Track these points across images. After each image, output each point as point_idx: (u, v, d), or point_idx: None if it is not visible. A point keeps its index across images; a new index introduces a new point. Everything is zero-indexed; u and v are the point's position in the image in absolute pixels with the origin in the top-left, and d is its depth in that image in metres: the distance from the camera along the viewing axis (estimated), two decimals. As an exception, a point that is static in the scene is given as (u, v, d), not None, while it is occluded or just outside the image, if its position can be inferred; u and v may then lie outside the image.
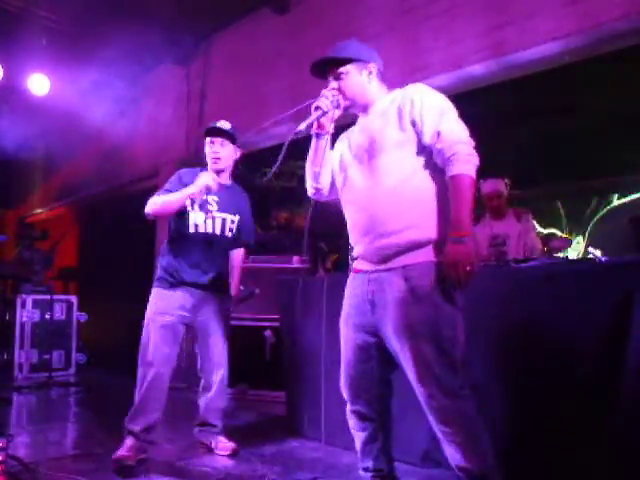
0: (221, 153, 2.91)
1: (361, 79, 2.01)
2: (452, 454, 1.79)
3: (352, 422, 2.03)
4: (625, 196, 6.72)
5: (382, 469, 2.01)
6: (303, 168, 2.17)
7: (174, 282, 2.85)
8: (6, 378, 5.32)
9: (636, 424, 2.03)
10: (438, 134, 1.82)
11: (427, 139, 1.85)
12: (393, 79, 3.83)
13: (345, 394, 2.02)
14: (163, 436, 3.30)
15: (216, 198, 2.89)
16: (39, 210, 9.11)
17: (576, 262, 2.97)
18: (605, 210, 6.85)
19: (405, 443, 2.57)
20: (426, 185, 1.88)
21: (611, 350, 2.13)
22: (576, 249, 6.84)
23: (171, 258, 2.89)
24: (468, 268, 1.73)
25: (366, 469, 2.02)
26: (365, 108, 2.05)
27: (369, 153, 1.94)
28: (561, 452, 2.23)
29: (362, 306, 1.94)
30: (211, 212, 2.89)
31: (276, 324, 3.94)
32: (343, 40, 2.07)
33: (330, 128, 2.04)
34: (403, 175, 1.87)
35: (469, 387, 1.80)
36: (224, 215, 2.93)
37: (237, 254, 3.15)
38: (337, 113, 2.01)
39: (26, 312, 5.61)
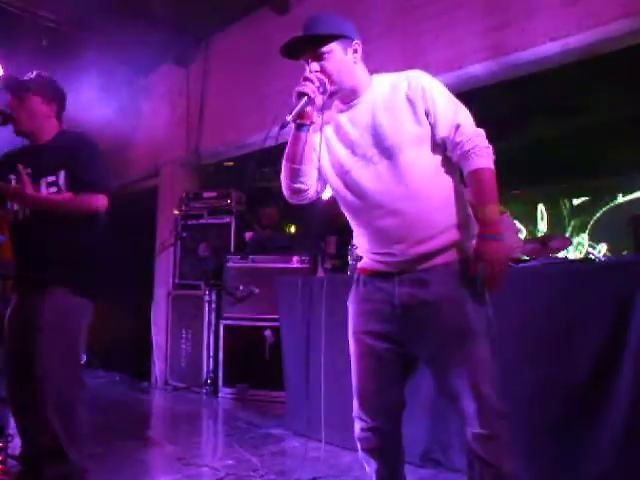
0: (15, 113, 2.34)
1: (347, 59, 1.74)
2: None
3: (369, 442, 1.78)
4: (625, 196, 6.73)
5: None
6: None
7: None
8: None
9: (637, 425, 2.03)
10: (457, 127, 1.67)
11: (443, 132, 1.69)
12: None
13: (361, 411, 1.77)
14: (163, 436, 3.30)
15: (29, 170, 2.25)
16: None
17: (576, 262, 2.97)
18: (603, 210, 6.85)
19: (405, 443, 2.57)
20: (448, 182, 1.73)
21: (611, 349, 2.14)
22: (577, 249, 6.84)
23: None
24: (503, 267, 1.63)
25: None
26: (352, 95, 1.78)
27: (382, 151, 1.70)
28: (561, 452, 2.23)
29: (385, 311, 1.72)
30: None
31: (276, 324, 3.94)
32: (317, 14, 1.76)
33: (315, 118, 1.74)
34: (427, 174, 1.70)
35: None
36: (36, 183, 2.28)
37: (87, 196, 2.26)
38: (321, 100, 1.72)
39: (26, 312, 5.59)
